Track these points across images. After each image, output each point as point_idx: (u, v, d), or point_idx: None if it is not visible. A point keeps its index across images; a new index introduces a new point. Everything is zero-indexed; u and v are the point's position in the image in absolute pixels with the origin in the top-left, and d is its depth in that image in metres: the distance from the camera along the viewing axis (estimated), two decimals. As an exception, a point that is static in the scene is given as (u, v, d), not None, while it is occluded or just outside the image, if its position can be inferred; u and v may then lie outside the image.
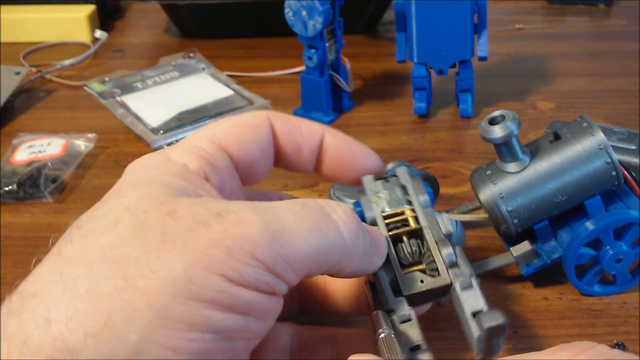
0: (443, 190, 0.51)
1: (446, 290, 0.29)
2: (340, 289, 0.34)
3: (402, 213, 0.32)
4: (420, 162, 0.56)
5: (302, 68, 0.66)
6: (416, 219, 0.31)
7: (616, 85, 0.68)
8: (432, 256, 0.30)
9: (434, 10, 0.59)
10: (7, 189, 0.53)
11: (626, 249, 0.38)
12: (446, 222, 0.31)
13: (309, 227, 0.25)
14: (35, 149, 0.58)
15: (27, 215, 0.51)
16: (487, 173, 0.39)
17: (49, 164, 0.55)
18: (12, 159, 0.57)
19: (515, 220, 0.38)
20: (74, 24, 0.85)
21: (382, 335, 0.27)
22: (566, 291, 0.41)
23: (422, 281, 0.29)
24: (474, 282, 0.28)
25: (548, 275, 0.41)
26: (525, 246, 0.39)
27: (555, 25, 0.87)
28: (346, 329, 0.33)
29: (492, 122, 0.38)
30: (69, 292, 0.22)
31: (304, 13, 0.58)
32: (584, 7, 0.91)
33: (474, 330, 0.27)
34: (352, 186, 0.36)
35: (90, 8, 0.87)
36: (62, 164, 0.56)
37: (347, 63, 0.65)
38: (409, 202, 0.32)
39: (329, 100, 0.63)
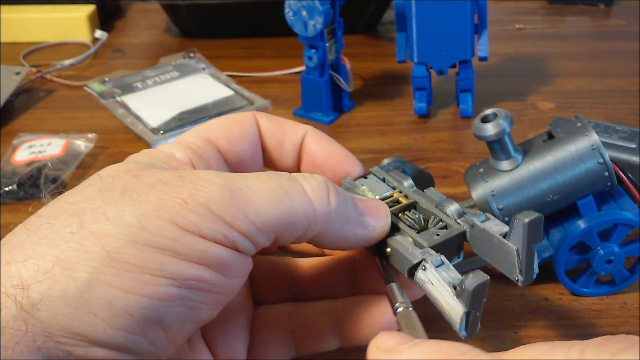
0: (443, 190, 0.51)
1: (461, 243, 0.30)
2: (335, 270, 0.34)
3: (391, 196, 0.32)
4: (421, 162, 0.56)
5: (302, 68, 0.66)
6: (406, 197, 0.32)
7: (616, 85, 0.68)
8: (437, 218, 0.30)
9: (434, 10, 0.59)
10: (7, 189, 0.53)
11: (617, 250, 0.38)
12: (434, 192, 0.32)
13: (272, 188, 0.26)
14: (35, 149, 0.58)
15: (27, 215, 0.51)
16: (480, 171, 0.39)
17: (49, 164, 0.55)
18: (12, 159, 0.57)
19: (507, 219, 0.38)
20: (74, 24, 0.85)
21: (400, 309, 0.27)
22: (566, 291, 0.41)
23: (438, 235, 0.29)
24: (489, 215, 0.29)
25: (548, 275, 0.41)
26: None
27: (555, 25, 0.87)
28: (343, 299, 0.33)
29: (485, 119, 0.38)
30: (30, 238, 0.24)
31: (304, 13, 0.58)
32: (584, 7, 0.91)
33: (512, 245, 0.27)
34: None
35: (90, 8, 0.87)
36: (62, 164, 0.56)
37: (347, 63, 0.65)
38: (393, 188, 0.33)
39: (329, 100, 0.63)
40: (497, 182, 0.38)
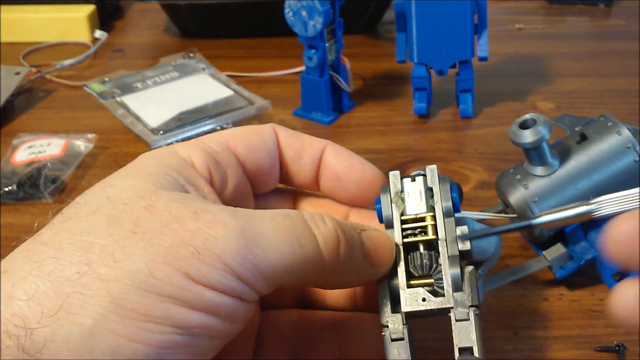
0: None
1: (447, 311, 0.28)
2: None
3: (423, 219, 0.30)
4: (421, 163, 0.56)
5: (302, 68, 0.66)
6: (435, 228, 0.29)
7: (616, 85, 0.68)
8: (441, 273, 0.28)
9: (434, 10, 0.59)
10: (7, 189, 0.53)
11: None
12: (465, 234, 0.29)
13: (286, 239, 0.25)
14: (35, 149, 0.58)
15: (27, 215, 0.51)
16: (517, 177, 0.39)
17: (49, 164, 0.55)
18: (12, 159, 0.57)
19: None
20: (74, 24, 0.85)
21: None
22: (566, 292, 0.41)
23: (424, 299, 0.28)
24: (472, 314, 0.27)
25: (548, 275, 0.41)
26: (558, 249, 0.39)
27: (555, 25, 0.87)
28: (345, 314, 0.33)
29: (523, 125, 0.38)
30: (34, 271, 0.23)
31: (304, 13, 0.58)
32: (584, 7, 0.91)
33: None
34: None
35: (90, 8, 0.87)
36: (62, 165, 0.56)
37: (347, 63, 0.65)
38: (433, 208, 0.30)
39: (329, 100, 0.63)
40: (537, 188, 0.38)
